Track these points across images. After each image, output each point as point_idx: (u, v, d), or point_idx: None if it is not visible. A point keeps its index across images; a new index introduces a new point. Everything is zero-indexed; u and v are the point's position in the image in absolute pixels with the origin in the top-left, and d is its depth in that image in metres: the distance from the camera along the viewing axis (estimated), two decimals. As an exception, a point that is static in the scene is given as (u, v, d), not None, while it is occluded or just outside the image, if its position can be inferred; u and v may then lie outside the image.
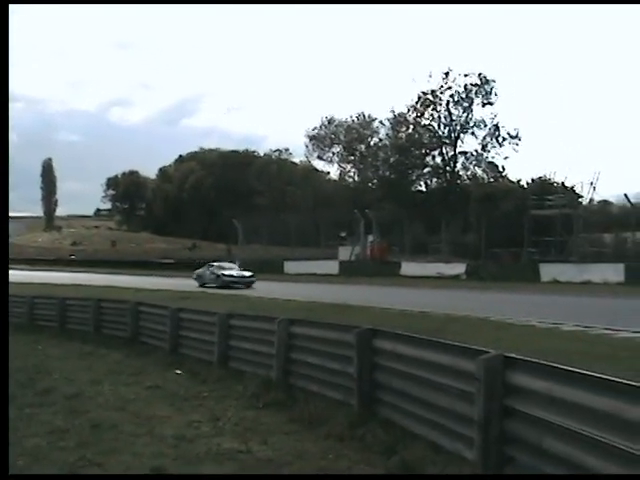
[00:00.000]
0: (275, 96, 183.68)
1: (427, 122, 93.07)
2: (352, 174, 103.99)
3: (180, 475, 6.94)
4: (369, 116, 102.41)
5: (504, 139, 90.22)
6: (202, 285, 41.83)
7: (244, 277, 41.82)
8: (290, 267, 56.43)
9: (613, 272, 39.66)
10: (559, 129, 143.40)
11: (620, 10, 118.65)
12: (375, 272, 48.49)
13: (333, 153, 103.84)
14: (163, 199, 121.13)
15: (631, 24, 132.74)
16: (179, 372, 13.56)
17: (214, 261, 47.62)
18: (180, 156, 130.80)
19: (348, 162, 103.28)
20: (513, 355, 6.33)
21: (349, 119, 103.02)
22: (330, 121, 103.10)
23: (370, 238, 57.66)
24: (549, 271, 42.70)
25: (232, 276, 41.53)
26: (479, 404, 6.21)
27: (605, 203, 75.54)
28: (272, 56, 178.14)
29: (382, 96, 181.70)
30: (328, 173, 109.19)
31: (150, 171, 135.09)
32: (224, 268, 43.45)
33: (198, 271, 44.94)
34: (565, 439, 5.34)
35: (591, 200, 60.67)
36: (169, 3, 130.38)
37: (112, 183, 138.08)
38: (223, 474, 7.02)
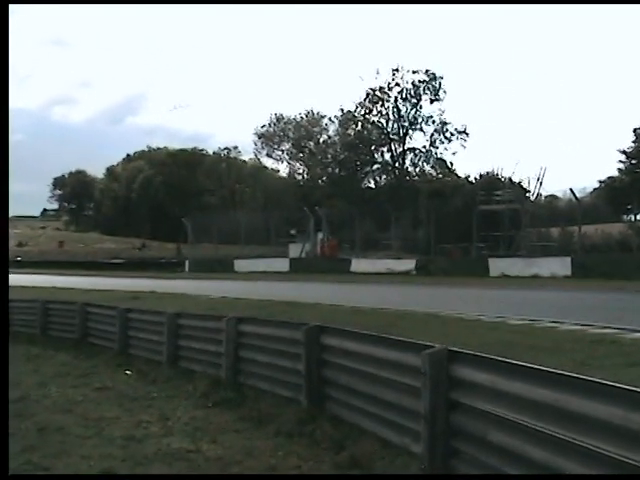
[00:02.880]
0: (221, 93, 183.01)
1: (375, 119, 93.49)
2: (301, 171, 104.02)
3: (181, 475, 6.90)
4: (318, 113, 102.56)
5: (452, 135, 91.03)
6: None
7: None
8: (240, 265, 56.27)
9: (560, 266, 40.17)
10: (506, 125, 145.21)
11: (565, 6, 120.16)
12: (325, 269, 48.57)
13: (282, 151, 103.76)
14: (111, 199, 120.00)
15: (576, 20, 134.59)
16: (128, 372, 13.48)
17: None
18: (128, 155, 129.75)
19: (297, 159, 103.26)
20: (457, 349, 6.40)
21: (298, 116, 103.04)
22: (279, 119, 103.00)
23: (320, 235, 57.73)
24: (498, 265, 43.10)
25: None
26: (425, 398, 6.27)
27: (552, 198, 76.61)
28: (218, 53, 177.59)
29: (331, 93, 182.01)
30: (277, 171, 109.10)
31: (97, 170, 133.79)
32: None
33: None
34: (509, 431, 5.42)
35: (538, 195, 61.45)
36: (108, 3, 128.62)
37: (59, 183, 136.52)
38: (223, 474, 6.98)
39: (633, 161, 59.92)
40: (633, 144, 60.01)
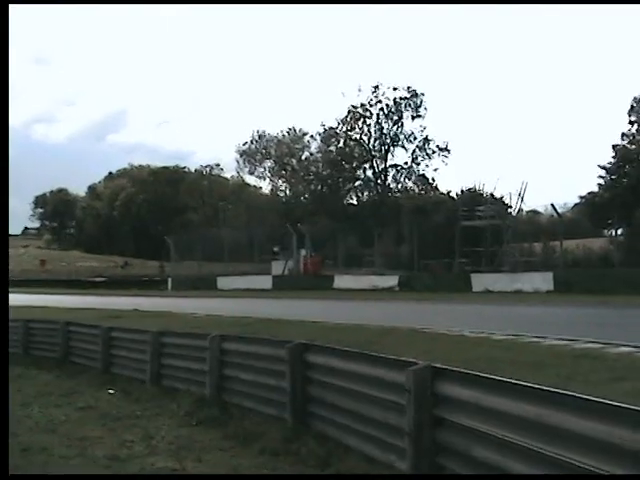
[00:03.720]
0: (202, 111, 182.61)
1: (357, 136, 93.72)
2: (284, 189, 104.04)
3: (181, 475, 6.85)
4: (300, 130, 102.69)
5: (433, 152, 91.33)
6: None
7: None
8: (223, 283, 56.17)
9: (542, 281, 40.32)
10: (487, 141, 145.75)
11: (549, 23, 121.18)
12: (309, 286, 48.53)
13: (264, 168, 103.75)
14: (93, 217, 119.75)
15: (557, 37, 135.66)
16: (112, 392, 13.41)
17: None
18: (110, 173, 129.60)
19: (280, 177, 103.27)
20: (442, 366, 6.41)
21: (279, 134, 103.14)
22: (260, 136, 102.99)
23: (303, 252, 57.71)
24: (481, 281, 43.21)
25: None
26: (409, 415, 6.28)
27: (533, 213, 76.94)
28: (199, 70, 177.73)
29: (312, 110, 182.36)
30: (260, 188, 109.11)
31: (79, 189, 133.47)
32: None
33: None
34: (493, 447, 5.44)
35: (520, 210, 61.72)
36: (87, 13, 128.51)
37: (40, 201, 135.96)
38: (223, 474, 6.94)
39: (613, 177, 60.31)
40: (613, 160, 60.43)
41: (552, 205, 49.27)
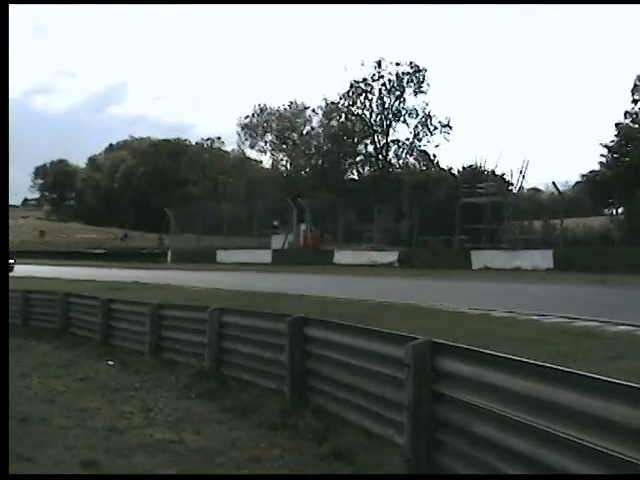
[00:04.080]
0: (204, 84, 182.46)
1: (359, 110, 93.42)
2: (285, 163, 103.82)
3: (182, 475, 6.86)
4: (302, 104, 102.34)
5: (435, 128, 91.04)
6: None
7: None
8: (223, 256, 56.19)
9: (542, 258, 40.35)
10: (489, 118, 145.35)
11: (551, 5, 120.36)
12: (308, 260, 48.53)
13: (265, 142, 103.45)
14: (93, 188, 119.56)
15: (561, 15, 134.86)
16: (110, 363, 13.44)
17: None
18: (110, 145, 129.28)
19: (281, 151, 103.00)
20: (441, 341, 6.40)
21: (281, 107, 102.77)
22: (262, 109, 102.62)
23: (303, 227, 57.67)
24: (480, 258, 43.23)
25: None
26: (408, 390, 6.27)
27: (534, 191, 76.88)
28: (201, 42, 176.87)
29: (314, 84, 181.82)
30: (261, 162, 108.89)
31: (79, 160, 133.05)
32: None
33: None
34: (493, 423, 5.43)
35: (521, 188, 61.62)
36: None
37: (40, 172, 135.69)
38: (222, 474, 6.95)
39: (615, 155, 60.11)
40: (615, 138, 60.20)
41: (553, 183, 49.31)
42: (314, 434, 7.71)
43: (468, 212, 53.03)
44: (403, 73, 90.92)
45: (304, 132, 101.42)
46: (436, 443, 6.17)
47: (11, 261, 42.91)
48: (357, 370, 7.73)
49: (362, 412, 7.59)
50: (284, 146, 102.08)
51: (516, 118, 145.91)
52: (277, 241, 58.24)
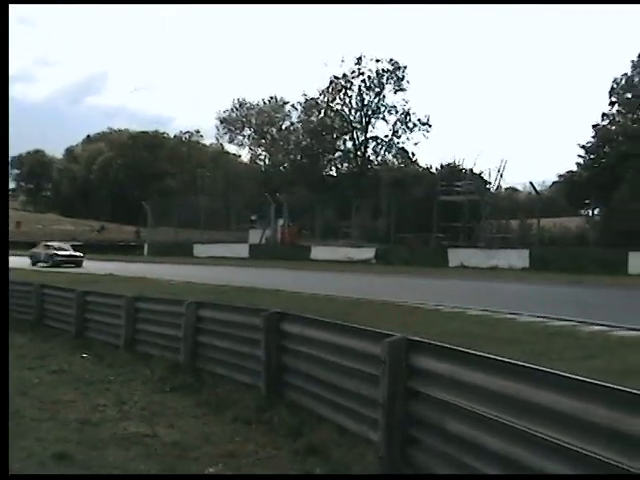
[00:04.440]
0: (184, 77, 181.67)
1: (339, 107, 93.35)
2: (263, 157, 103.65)
3: (182, 475, 6.82)
4: (281, 99, 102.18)
5: (414, 125, 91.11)
6: (35, 264, 46.13)
7: (74, 257, 47.00)
8: (200, 250, 56.13)
9: (518, 258, 40.63)
10: (468, 117, 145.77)
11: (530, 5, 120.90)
12: (285, 256, 48.56)
13: (244, 136, 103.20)
14: (70, 180, 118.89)
15: (539, 15, 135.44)
16: (85, 355, 13.37)
17: (51, 241, 52.83)
18: (88, 136, 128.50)
19: (259, 145, 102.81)
20: (417, 338, 6.41)
21: (260, 102, 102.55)
22: (241, 104, 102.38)
23: (280, 222, 57.69)
24: (457, 256, 43.44)
25: (64, 256, 46.58)
26: (383, 386, 6.27)
27: (512, 190, 77.20)
28: (181, 36, 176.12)
29: (294, 80, 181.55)
30: (239, 156, 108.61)
31: (56, 150, 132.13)
32: (57, 248, 48.56)
33: (33, 250, 49.75)
34: (467, 420, 5.44)
35: (498, 187, 61.89)
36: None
37: (16, 162, 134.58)
38: (224, 474, 6.91)
39: (592, 156, 60.45)
40: (592, 139, 60.55)
41: (531, 183, 49.61)
42: (289, 429, 7.70)
43: (446, 210, 53.23)
44: (383, 70, 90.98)
45: (283, 127, 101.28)
46: (410, 440, 6.18)
47: (79, 254, 47.68)
48: (332, 366, 7.73)
49: (337, 408, 7.59)
50: (263, 141, 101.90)
51: (495, 117, 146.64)
52: (255, 236, 58.23)
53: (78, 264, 45.05)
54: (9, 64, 9.31)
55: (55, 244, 50.34)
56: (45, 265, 45.03)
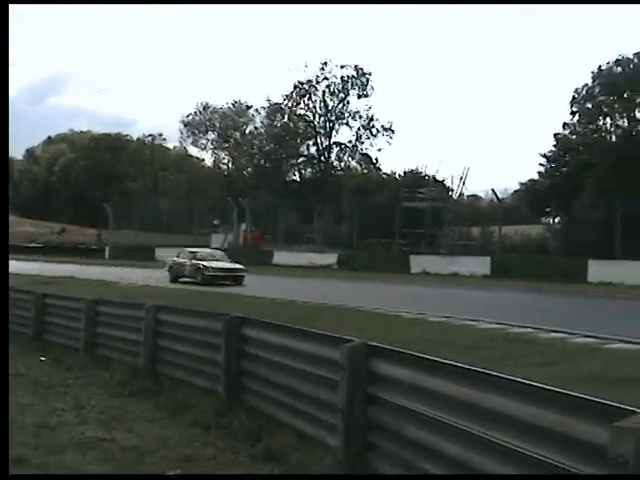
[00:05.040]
0: (147, 79, 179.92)
1: (302, 112, 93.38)
2: (226, 161, 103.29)
3: (182, 475, 6.77)
4: (245, 103, 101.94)
5: (378, 131, 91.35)
6: (175, 280, 33.92)
7: (233, 271, 33.68)
8: (162, 253, 55.66)
9: (480, 265, 40.89)
10: (432, 123, 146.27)
11: (497, 8, 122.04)
12: (248, 261, 48.22)
13: (207, 140, 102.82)
14: (31, 181, 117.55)
15: (503, 22, 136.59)
16: (43, 359, 13.25)
17: (187, 247, 39.46)
18: (49, 137, 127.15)
19: (223, 149, 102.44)
20: (376, 344, 6.44)
21: (224, 106, 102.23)
22: (205, 107, 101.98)
23: (243, 226, 57.58)
24: (419, 262, 43.60)
25: (219, 269, 33.00)
26: (342, 392, 6.30)
27: (474, 198, 77.71)
28: (145, 36, 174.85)
29: (258, 84, 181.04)
30: (202, 160, 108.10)
31: (16, 151, 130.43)
32: (207, 258, 34.59)
33: (172, 260, 36.66)
34: (425, 426, 5.47)
35: (461, 194, 62.32)
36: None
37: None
38: (224, 474, 6.87)
39: (553, 165, 61.10)
40: (554, 148, 61.19)
41: (493, 190, 50.01)
42: (247, 434, 7.70)
43: (408, 216, 53.48)
44: (348, 76, 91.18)
45: (247, 132, 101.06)
46: (369, 445, 6.21)
47: (240, 266, 34.28)
48: (292, 371, 7.74)
49: (296, 413, 7.60)
50: (226, 145, 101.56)
51: (458, 125, 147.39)
52: (217, 240, 58.01)
53: (238, 281, 32.57)
54: (9, 64, 9.35)
55: (203, 252, 36.95)
56: (192, 281, 32.52)
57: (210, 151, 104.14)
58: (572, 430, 4.06)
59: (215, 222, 64.17)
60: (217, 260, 34.75)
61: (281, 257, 49.92)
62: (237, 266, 34.26)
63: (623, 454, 3.51)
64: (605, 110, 58.60)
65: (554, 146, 61.32)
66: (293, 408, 7.67)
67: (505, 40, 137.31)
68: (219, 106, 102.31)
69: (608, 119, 59.31)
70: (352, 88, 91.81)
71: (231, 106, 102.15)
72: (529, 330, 15.17)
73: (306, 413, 7.38)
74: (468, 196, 70.79)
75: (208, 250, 39.22)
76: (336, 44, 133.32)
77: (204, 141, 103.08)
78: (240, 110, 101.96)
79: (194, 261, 33.59)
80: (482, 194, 77.67)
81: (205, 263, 33.12)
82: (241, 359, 8.97)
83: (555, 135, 61.43)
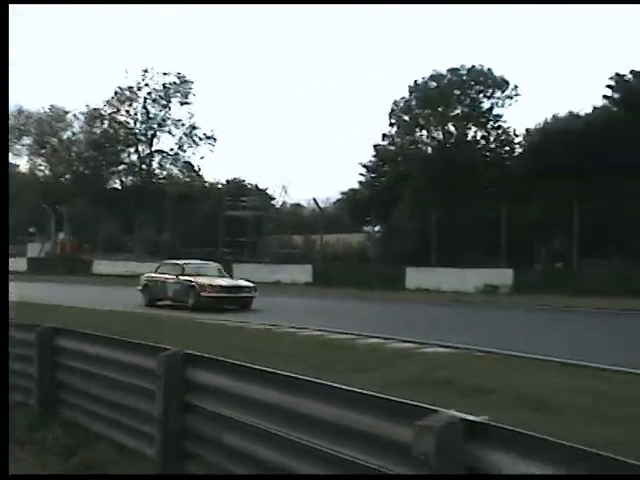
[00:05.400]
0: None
1: (123, 118, 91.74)
2: (43, 168, 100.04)
3: (181, 475, 6.29)
4: (62, 108, 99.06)
5: (200, 139, 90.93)
6: (152, 302, 26.52)
7: (242, 290, 26.39)
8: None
9: (302, 273, 41.44)
10: (254, 132, 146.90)
11: (313, 17, 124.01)
12: (66, 270, 47.18)
13: (23, 145, 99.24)
14: None
15: (329, 38, 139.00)
16: None
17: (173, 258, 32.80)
18: None
19: (39, 155, 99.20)
20: (193, 352, 6.35)
21: (40, 110, 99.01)
22: (19, 112, 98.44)
23: (61, 235, 55.96)
24: (242, 271, 43.55)
25: (222, 288, 25.64)
26: (159, 401, 6.20)
27: (297, 206, 78.57)
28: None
29: (77, 89, 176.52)
30: (17, 166, 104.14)
31: None
32: (201, 273, 27.08)
33: (147, 277, 28.24)
34: (243, 433, 5.45)
35: (283, 203, 62.92)
36: None
37: None
38: (227, 474, 6.43)
39: (373, 175, 62.62)
40: (374, 158, 62.72)
41: (314, 199, 50.68)
42: (62, 449, 7.43)
43: (231, 225, 53.50)
44: (170, 83, 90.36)
45: (64, 137, 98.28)
46: (187, 455, 6.12)
47: (248, 284, 26.76)
48: (109, 382, 7.53)
49: (114, 425, 7.41)
50: (43, 151, 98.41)
51: (282, 134, 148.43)
52: (33, 249, 56.14)
53: (246, 305, 25.45)
54: (9, 64, 9.01)
55: (193, 264, 28.62)
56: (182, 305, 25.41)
57: (25, 157, 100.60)
58: (384, 431, 4.13)
59: (31, 230, 62.05)
60: (214, 276, 27.06)
61: (101, 266, 48.89)
62: (246, 284, 26.93)
63: (425, 452, 3.59)
64: (421, 123, 60.61)
65: (374, 156, 62.86)
66: (112, 420, 7.46)
67: (329, 50, 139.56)
68: (35, 111, 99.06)
69: (424, 131, 61.37)
70: (174, 95, 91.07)
71: (48, 111, 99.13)
72: (350, 336, 15.41)
73: (125, 425, 7.20)
74: (291, 205, 71.59)
75: (197, 262, 30.49)
76: (158, 51, 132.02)
77: (19, 147, 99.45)
78: (57, 115, 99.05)
79: (182, 277, 25.93)
80: (305, 203, 78.68)
81: (201, 280, 25.53)
82: (56, 371, 8.67)
83: (375, 146, 63.01)
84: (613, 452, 3.02)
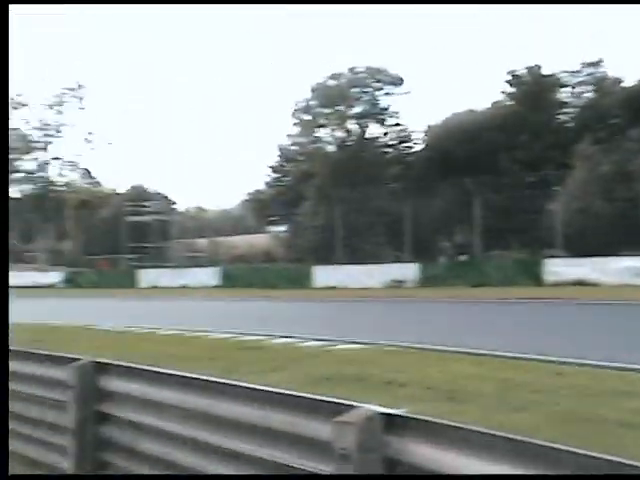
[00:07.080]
0: None
1: (17, 125, 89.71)
2: None
3: (181, 475, 6.05)
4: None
5: (98, 145, 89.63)
6: None
7: None
8: None
9: (209, 276, 41.27)
10: (156, 136, 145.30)
11: (217, 20, 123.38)
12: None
13: None
14: None
15: (229, 34, 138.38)
16: None
17: None
18: None
19: None
20: (105, 360, 6.31)
21: None
22: None
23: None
24: (147, 277, 43.29)
25: None
26: (71, 412, 6.12)
27: (200, 209, 78.26)
28: None
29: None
30: None
31: None
32: None
33: None
34: (159, 439, 5.42)
35: (187, 207, 62.54)
36: None
37: None
38: (221, 474, 6.20)
39: (277, 175, 62.82)
40: (279, 159, 62.93)
41: (219, 202, 50.44)
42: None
43: (135, 231, 52.94)
44: (65, 88, 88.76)
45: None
46: (102, 465, 6.06)
47: None
48: (19, 396, 7.37)
49: (25, 440, 7.26)
50: None
51: (186, 137, 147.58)
52: None
53: None
54: (9, 64, 8.76)
55: None
56: None
57: None
58: (300, 428, 4.19)
59: None
60: None
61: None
62: None
63: (345, 447, 3.67)
64: (322, 122, 61.02)
65: (279, 156, 63.08)
66: (22, 435, 7.32)
67: (236, 52, 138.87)
68: None
69: (326, 130, 61.81)
70: (69, 101, 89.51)
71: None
72: (260, 337, 15.45)
73: (36, 439, 7.07)
74: (194, 208, 71.24)
75: None
76: (53, 56, 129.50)
77: None
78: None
79: None
80: (208, 205, 78.41)
81: None
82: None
83: (279, 146, 63.22)
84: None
